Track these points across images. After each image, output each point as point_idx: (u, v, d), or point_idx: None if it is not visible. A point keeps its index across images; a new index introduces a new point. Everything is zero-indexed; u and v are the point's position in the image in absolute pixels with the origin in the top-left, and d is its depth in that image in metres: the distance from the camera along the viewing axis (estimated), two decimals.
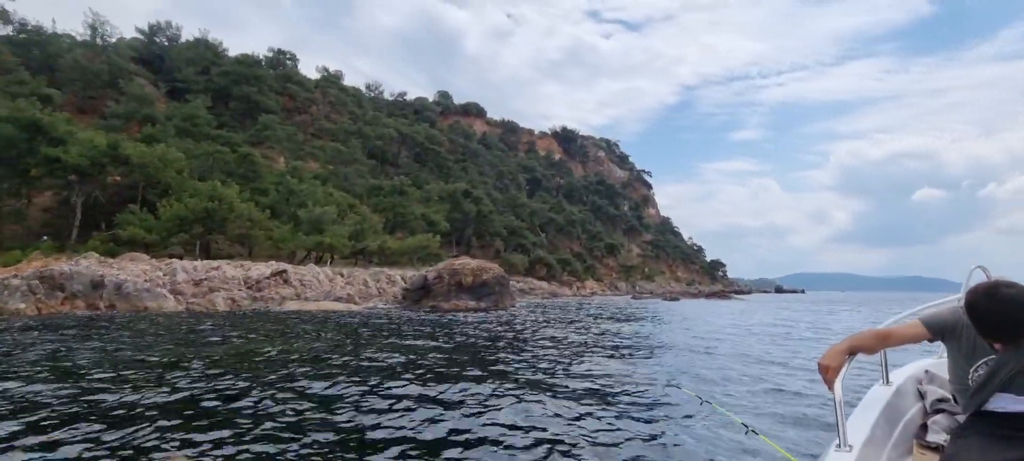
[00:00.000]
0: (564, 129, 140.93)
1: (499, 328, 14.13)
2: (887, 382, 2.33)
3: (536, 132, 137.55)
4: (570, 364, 8.27)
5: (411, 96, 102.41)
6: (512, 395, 5.75)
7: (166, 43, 70.33)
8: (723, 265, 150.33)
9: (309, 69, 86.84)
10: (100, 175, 34.36)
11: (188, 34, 73.34)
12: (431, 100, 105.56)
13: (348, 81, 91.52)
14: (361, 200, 49.18)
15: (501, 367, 7.91)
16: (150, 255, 30.18)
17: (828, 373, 1.83)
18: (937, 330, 1.96)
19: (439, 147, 77.22)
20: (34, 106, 34.68)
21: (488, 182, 77.27)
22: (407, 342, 10.67)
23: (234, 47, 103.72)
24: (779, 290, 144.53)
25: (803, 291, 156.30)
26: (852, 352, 1.92)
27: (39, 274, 15.59)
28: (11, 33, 56.90)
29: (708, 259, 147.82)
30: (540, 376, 7.15)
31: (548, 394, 5.93)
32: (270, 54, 76.36)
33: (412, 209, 48.42)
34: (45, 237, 34.87)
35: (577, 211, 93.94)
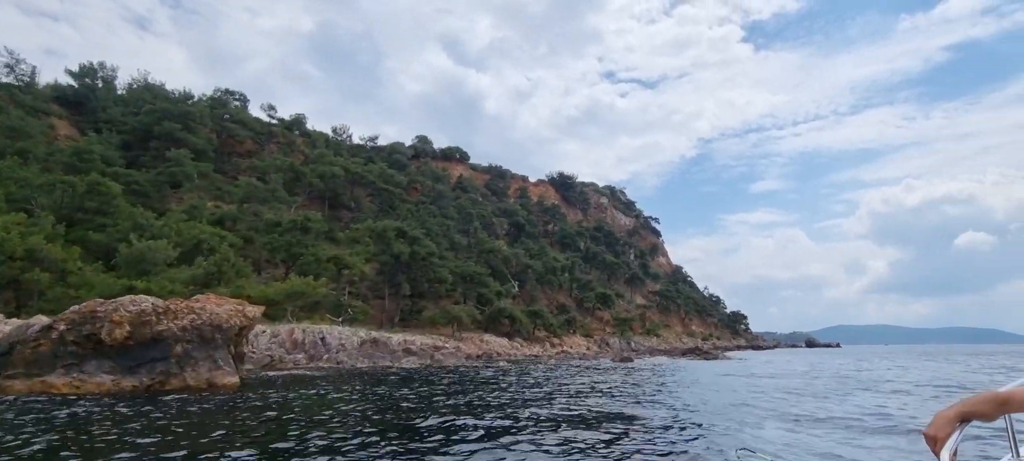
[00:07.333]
0: (561, 175, 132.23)
1: None
2: (1017, 456, 1.90)
3: (531, 179, 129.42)
4: None
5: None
6: None
7: (100, 85, 65.07)
8: (744, 318, 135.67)
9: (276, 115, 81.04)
10: None
11: (127, 77, 68.48)
12: (408, 144, 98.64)
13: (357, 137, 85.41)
14: (255, 239, 40.06)
15: None
16: None
17: (935, 444, 1.56)
18: None
19: (395, 187, 68.68)
20: None
21: (450, 225, 67.79)
22: None
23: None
24: (810, 344, 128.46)
25: (838, 345, 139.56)
26: (964, 419, 1.62)
27: None
28: None
29: (728, 311, 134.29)
30: None
31: None
32: (217, 95, 70.53)
33: (315, 250, 38.91)
34: None
35: (564, 258, 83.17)
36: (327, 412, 9.85)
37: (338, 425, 8.67)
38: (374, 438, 7.67)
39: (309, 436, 7.65)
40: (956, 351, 73.98)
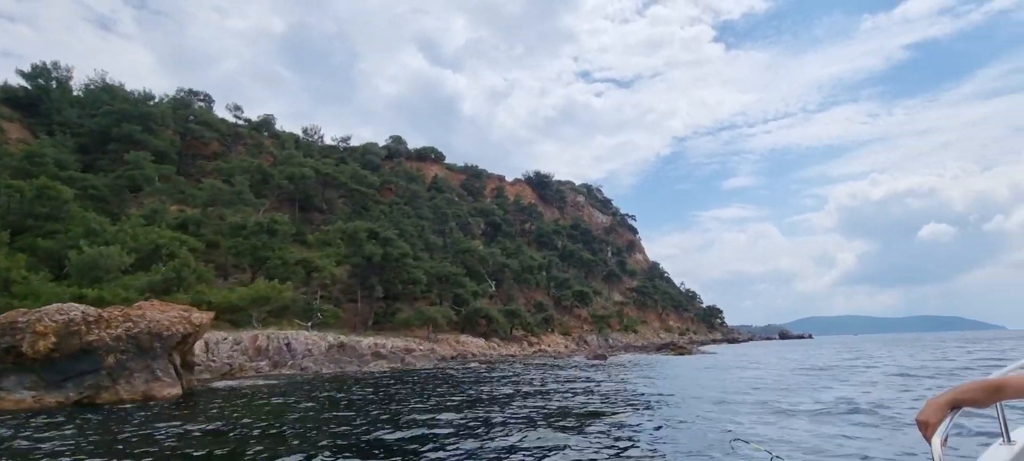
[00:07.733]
0: (537, 174, 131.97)
1: None
2: (1009, 441, 1.97)
3: (508, 179, 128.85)
4: None
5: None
6: None
7: (54, 85, 62.03)
8: (720, 312, 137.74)
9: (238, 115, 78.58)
10: None
11: (84, 77, 65.55)
12: (382, 145, 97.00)
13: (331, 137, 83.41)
14: (220, 243, 38.61)
15: None
16: None
17: (927, 430, 1.59)
18: None
19: (368, 188, 67.35)
20: None
21: (425, 225, 66.82)
22: None
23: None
24: (783, 336, 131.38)
25: (810, 336, 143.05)
26: (956, 406, 1.64)
27: None
28: None
29: (704, 305, 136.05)
30: None
31: None
32: (180, 96, 68.07)
33: (282, 252, 37.65)
34: None
35: (541, 257, 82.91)
36: (256, 428, 9.09)
37: (254, 445, 7.97)
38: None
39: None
40: (922, 339, 76.32)
